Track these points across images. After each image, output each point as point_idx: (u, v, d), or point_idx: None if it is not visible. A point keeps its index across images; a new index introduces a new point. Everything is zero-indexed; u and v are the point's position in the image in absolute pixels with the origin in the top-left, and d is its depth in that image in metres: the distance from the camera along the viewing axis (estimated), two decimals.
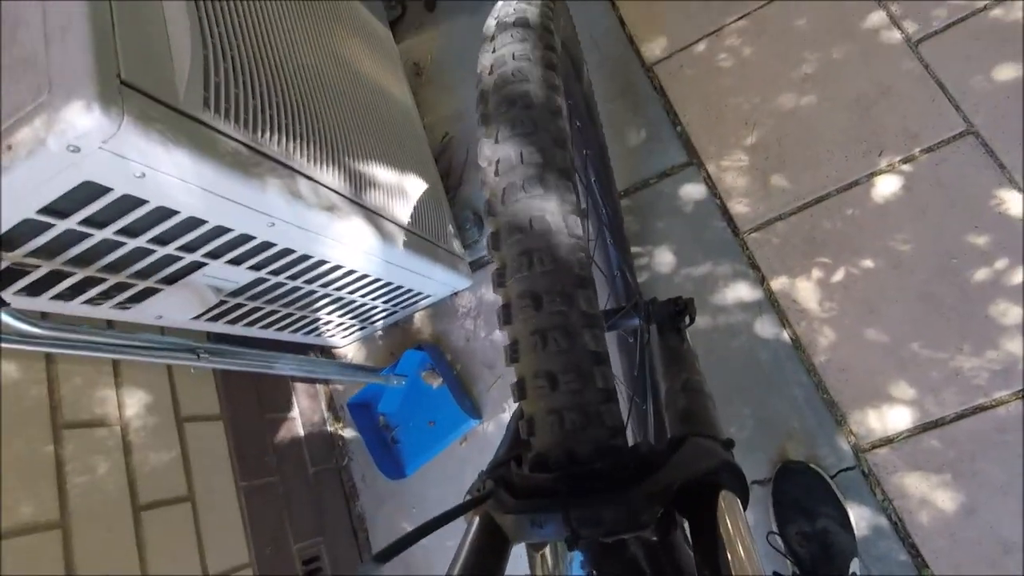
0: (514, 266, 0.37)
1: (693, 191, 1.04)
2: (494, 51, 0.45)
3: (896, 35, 1.00)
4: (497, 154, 0.40)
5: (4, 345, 0.57)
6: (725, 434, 0.44)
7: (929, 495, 0.83)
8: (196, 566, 0.77)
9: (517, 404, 0.38)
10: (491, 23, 0.49)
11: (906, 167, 0.94)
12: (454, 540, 0.33)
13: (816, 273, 0.95)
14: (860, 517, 0.84)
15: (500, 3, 0.52)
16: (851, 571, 0.78)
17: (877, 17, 1.02)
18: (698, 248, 1.01)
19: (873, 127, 0.97)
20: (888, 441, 0.86)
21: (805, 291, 0.95)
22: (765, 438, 0.91)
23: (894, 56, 0.99)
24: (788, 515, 0.84)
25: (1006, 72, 0.93)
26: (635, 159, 1.09)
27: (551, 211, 0.37)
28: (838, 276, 0.94)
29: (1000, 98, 0.92)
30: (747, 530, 0.29)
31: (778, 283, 0.96)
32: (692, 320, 0.67)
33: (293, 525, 0.93)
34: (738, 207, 1.01)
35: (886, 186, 0.94)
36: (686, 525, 0.34)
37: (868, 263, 0.93)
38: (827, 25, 1.04)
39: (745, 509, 0.33)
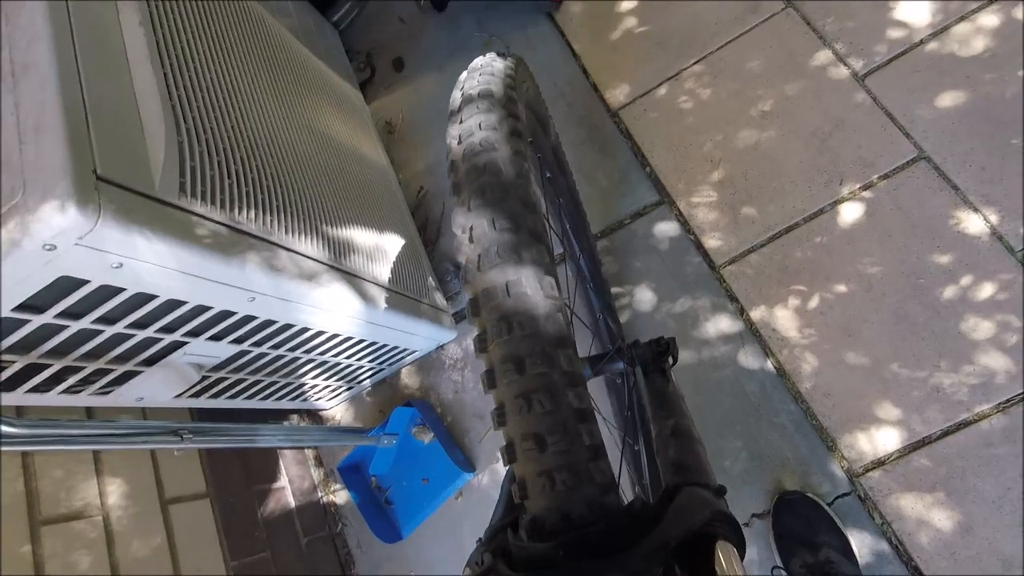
0: (494, 331, 0.37)
1: (667, 229, 1.07)
2: (461, 122, 0.47)
3: (843, 71, 1.06)
4: (470, 222, 0.41)
5: None
6: (716, 479, 0.44)
7: (926, 515, 0.84)
8: None
9: (508, 467, 0.38)
10: (456, 96, 0.51)
11: (866, 194, 0.98)
12: None
13: (792, 301, 0.97)
14: (861, 543, 0.84)
15: (464, 74, 0.54)
16: None
17: (824, 55, 1.08)
18: (677, 284, 1.03)
19: (831, 157, 1.02)
20: (880, 463, 0.87)
21: (784, 319, 0.97)
22: (760, 470, 0.91)
23: (844, 90, 1.04)
24: (791, 548, 0.83)
25: (948, 100, 0.99)
26: (608, 201, 1.11)
27: (526, 275, 0.38)
28: (814, 302, 0.96)
29: (946, 124, 0.97)
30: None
31: (757, 313, 0.98)
32: (675, 360, 0.68)
33: None
34: (711, 241, 1.04)
35: (850, 213, 0.98)
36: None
37: (841, 288, 0.95)
38: (778, 65, 1.10)
39: (742, 558, 0.34)
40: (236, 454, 0.95)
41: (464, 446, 1.04)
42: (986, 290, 0.89)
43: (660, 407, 0.58)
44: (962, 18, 1.02)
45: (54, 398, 0.65)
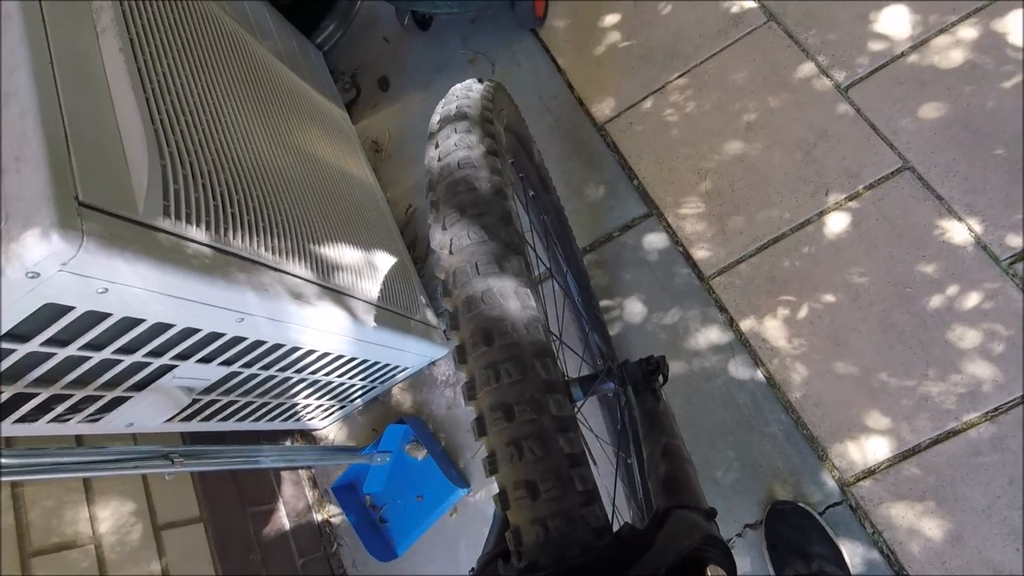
0: (483, 379, 0.37)
1: (655, 240, 1.07)
2: (437, 145, 0.48)
3: (826, 83, 1.07)
4: (448, 237, 0.41)
5: None
6: (706, 501, 0.44)
7: (916, 524, 0.84)
8: None
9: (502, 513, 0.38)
10: (435, 119, 0.51)
11: (852, 204, 0.99)
12: None
13: (781, 311, 0.98)
14: (853, 553, 0.85)
15: (443, 100, 0.55)
16: None
17: (807, 68, 1.09)
18: (666, 295, 1.04)
19: (816, 168, 1.03)
20: (870, 472, 0.88)
21: (773, 329, 0.97)
22: (752, 480, 0.92)
23: (827, 102, 1.06)
24: (784, 558, 0.83)
25: (931, 111, 1.00)
26: (597, 214, 1.12)
27: (512, 318, 0.38)
28: (802, 312, 0.97)
29: (929, 135, 0.99)
30: None
31: (747, 324, 0.99)
32: (666, 379, 0.68)
33: None
34: (700, 252, 1.04)
35: (836, 223, 0.99)
36: None
37: (829, 298, 0.96)
38: (762, 77, 1.11)
39: None
40: (230, 477, 0.95)
41: (458, 462, 1.03)
42: (972, 299, 0.90)
43: (651, 427, 0.58)
44: (941, 31, 1.03)
45: (43, 427, 0.65)
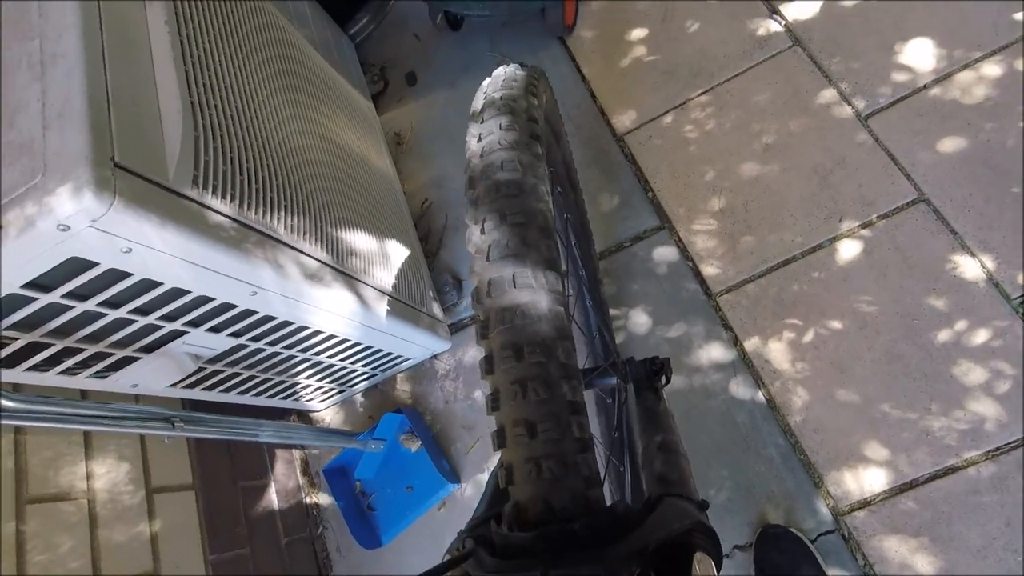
0: (496, 319, 0.38)
1: (666, 254, 1.08)
2: (481, 122, 0.49)
3: (847, 110, 1.08)
4: (482, 215, 0.42)
5: None
6: (699, 495, 0.44)
7: (908, 559, 0.83)
8: None
9: (498, 457, 0.39)
10: (479, 98, 0.52)
11: (865, 232, 0.99)
12: None
13: (787, 334, 0.98)
14: None
15: (487, 80, 0.55)
16: None
17: (829, 94, 1.10)
18: (673, 309, 1.04)
19: (832, 194, 1.03)
20: (866, 504, 0.87)
21: (777, 352, 0.97)
22: (744, 501, 0.91)
23: (847, 129, 1.06)
24: None
25: (949, 145, 1.00)
26: (610, 223, 1.13)
27: (532, 269, 0.39)
28: (808, 337, 0.97)
29: (947, 168, 0.99)
30: None
31: (751, 344, 0.99)
32: (668, 380, 0.69)
33: None
34: (709, 269, 1.05)
35: (848, 250, 0.99)
36: None
37: (836, 324, 0.96)
38: (783, 100, 1.12)
39: (719, 571, 0.34)
40: (224, 449, 0.96)
41: (451, 456, 1.04)
42: (980, 336, 0.89)
43: (649, 423, 0.59)
44: (965, 66, 1.04)
45: (52, 378, 0.67)
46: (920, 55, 1.07)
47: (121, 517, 0.77)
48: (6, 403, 0.53)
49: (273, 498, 1.02)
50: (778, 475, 0.91)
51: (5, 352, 0.60)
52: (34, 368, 0.64)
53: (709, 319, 1.02)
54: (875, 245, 0.98)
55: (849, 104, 1.08)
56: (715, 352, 1.00)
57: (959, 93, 1.03)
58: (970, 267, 0.92)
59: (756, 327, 1.00)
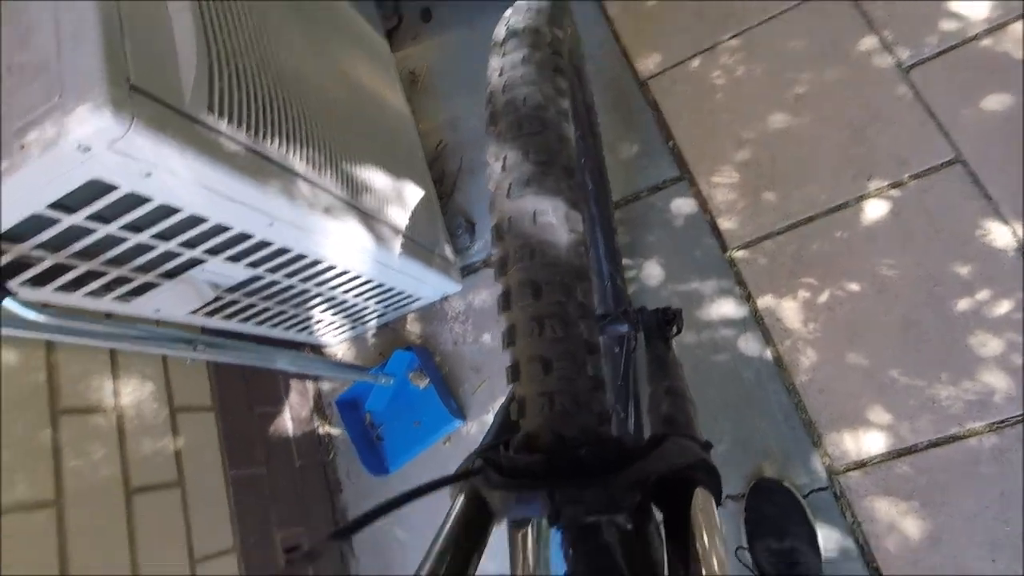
0: (516, 256, 0.39)
1: (684, 206, 1.06)
2: (504, 55, 0.48)
3: (888, 60, 1.02)
4: (504, 151, 0.42)
5: (8, 332, 0.60)
6: (704, 437, 0.46)
7: (898, 521, 0.84)
8: (183, 548, 0.80)
9: (509, 389, 0.40)
10: (501, 29, 0.51)
11: (894, 192, 0.96)
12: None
13: (802, 293, 0.97)
14: (828, 538, 0.86)
15: (510, 11, 0.54)
16: None
17: (869, 42, 1.03)
18: (686, 263, 1.03)
19: (863, 150, 0.99)
20: (861, 464, 0.88)
21: (790, 311, 0.96)
22: (742, 454, 0.93)
23: (886, 81, 1.01)
24: (758, 531, 0.85)
25: (995, 103, 0.94)
26: (627, 171, 1.11)
27: (554, 206, 0.39)
28: (823, 298, 0.95)
29: (988, 129, 0.94)
30: (718, 527, 0.31)
31: (764, 301, 0.98)
32: (679, 330, 0.70)
33: (277, 514, 0.95)
34: (727, 224, 1.03)
35: (874, 210, 0.96)
36: (662, 522, 0.37)
37: (853, 286, 0.94)
38: (820, 47, 1.06)
39: (719, 505, 0.36)
40: (240, 376, 1.01)
41: (458, 396, 1.07)
42: (1002, 307, 0.87)
43: (658, 370, 0.59)
44: (1022, 16, 0.96)
45: (78, 299, 0.70)
46: (972, 2, 1.00)
47: (147, 432, 0.82)
48: (36, 318, 0.57)
49: (288, 424, 1.07)
50: (778, 432, 0.92)
51: (33, 272, 0.62)
52: (61, 289, 0.67)
53: (723, 274, 1.01)
54: (904, 206, 0.95)
55: (891, 53, 1.02)
56: (726, 308, 1.00)
57: (1011, 46, 0.96)
58: (1001, 235, 0.89)
59: (771, 285, 0.98)
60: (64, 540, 0.68)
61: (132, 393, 0.82)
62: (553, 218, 0.39)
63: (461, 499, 0.36)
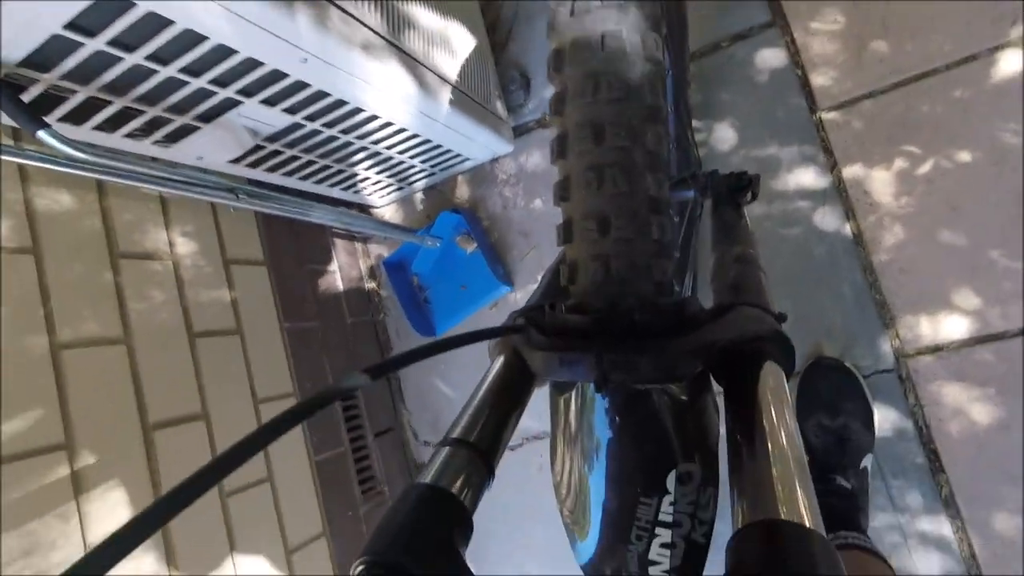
0: (577, 90, 0.32)
1: (771, 58, 0.91)
2: None
3: None
4: None
5: (53, 167, 0.59)
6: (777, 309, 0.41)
7: (966, 406, 0.80)
8: (246, 389, 0.85)
9: (559, 250, 0.36)
10: None
11: None
12: None
13: (899, 163, 0.85)
14: (885, 419, 0.83)
15: None
16: (862, 465, 0.79)
17: None
18: (766, 125, 0.91)
19: None
20: (936, 349, 0.82)
21: (881, 182, 0.85)
22: (802, 332, 0.88)
23: None
24: (810, 407, 0.83)
25: None
26: (706, 16, 0.95)
27: (628, 27, 0.32)
28: (924, 168, 0.83)
29: None
30: (789, 406, 0.27)
31: (851, 171, 0.87)
32: (755, 196, 0.64)
33: (331, 366, 1.00)
34: (821, 80, 0.89)
35: (1010, 64, 0.80)
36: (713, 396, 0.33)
37: (964, 155, 0.82)
38: None
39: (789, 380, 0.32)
40: (292, 233, 1.00)
41: (506, 262, 1.05)
42: None
43: (726, 236, 0.54)
44: None
45: (119, 140, 0.68)
46: None
47: (203, 281, 0.84)
48: (72, 152, 0.54)
49: (338, 282, 1.09)
50: (844, 312, 0.86)
51: (67, 107, 0.60)
52: (99, 129, 0.64)
53: (807, 139, 0.89)
54: None
55: None
56: (806, 177, 0.89)
57: None
58: None
59: (862, 152, 0.86)
60: (138, 376, 0.72)
61: (186, 244, 0.83)
62: (625, 42, 0.32)
63: (500, 360, 0.34)
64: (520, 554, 1.03)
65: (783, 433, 0.25)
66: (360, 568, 0.21)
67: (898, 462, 0.83)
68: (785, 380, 0.30)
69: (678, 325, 0.31)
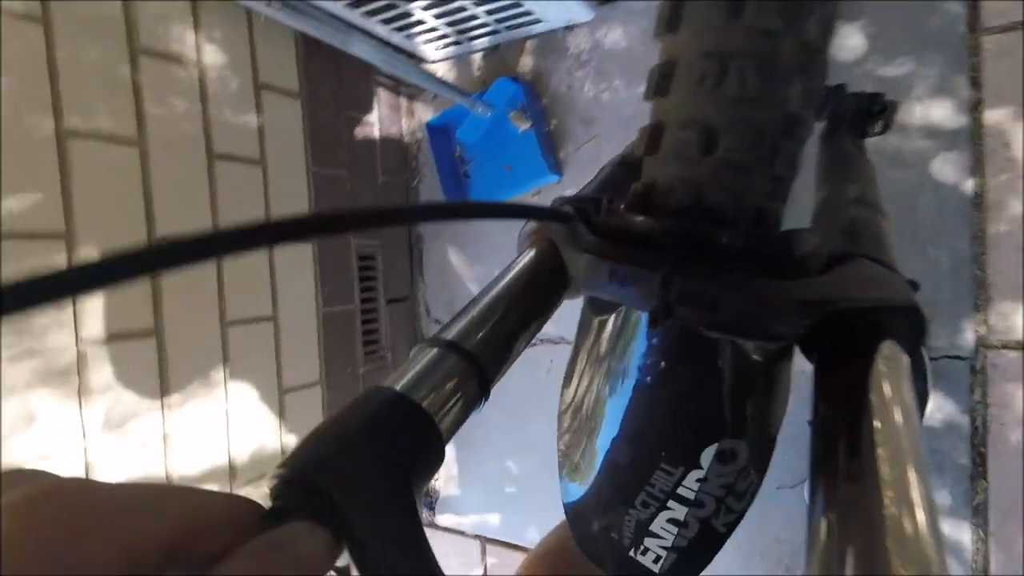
0: None
1: None
2: None
3: None
4: None
5: None
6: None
7: None
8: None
9: (625, 147, 0.27)
10: None
11: None
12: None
13: None
14: (939, 408, 0.74)
15: None
16: None
17: None
18: (905, 38, 0.74)
19: None
20: None
21: None
22: None
23: None
24: None
25: None
26: None
27: None
28: None
29: None
30: (912, 407, 0.19)
31: (996, 115, 0.71)
32: (887, 128, 0.51)
33: None
34: None
35: None
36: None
37: None
38: None
39: (915, 378, 0.22)
40: (333, 69, 0.92)
41: (559, 149, 0.94)
42: None
43: (841, 170, 0.44)
44: None
45: None
46: None
47: (230, 100, 0.78)
48: None
49: (375, 136, 1.02)
50: (935, 282, 0.74)
51: None
52: None
53: (954, 64, 0.72)
54: None
55: None
56: (939, 112, 0.73)
57: None
58: None
59: (1017, 95, 0.69)
60: (148, 183, 0.69)
61: (214, 53, 0.76)
62: None
63: (531, 254, 0.26)
64: (519, 455, 1.02)
65: (904, 448, 0.17)
66: (275, 482, 0.15)
67: (938, 457, 0.74)
68: (908, 369, 0.21)
69: (782, 265, 0.23)
